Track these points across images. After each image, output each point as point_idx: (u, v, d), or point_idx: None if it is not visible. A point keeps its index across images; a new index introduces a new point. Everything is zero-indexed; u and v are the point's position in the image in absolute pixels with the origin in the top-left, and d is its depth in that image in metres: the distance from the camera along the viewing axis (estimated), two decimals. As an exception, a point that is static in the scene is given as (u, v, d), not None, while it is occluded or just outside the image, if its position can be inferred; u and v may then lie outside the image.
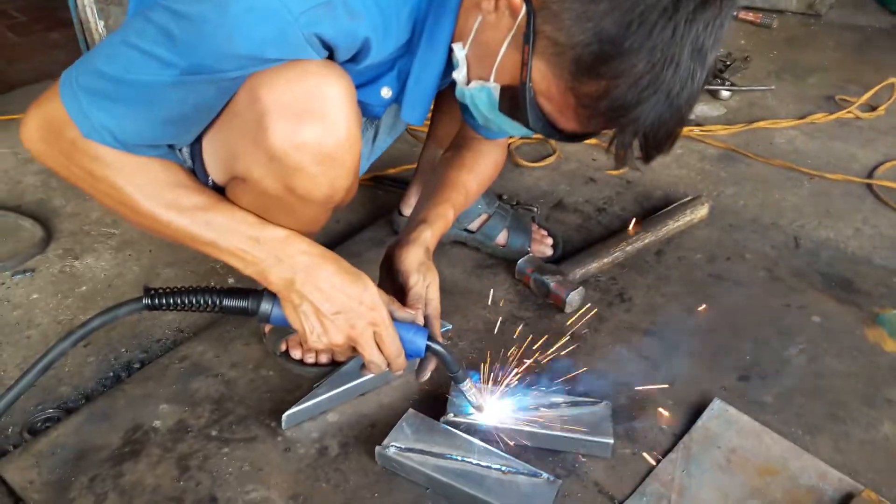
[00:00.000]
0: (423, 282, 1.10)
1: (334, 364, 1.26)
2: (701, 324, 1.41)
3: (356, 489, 1.08)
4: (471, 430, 1.13)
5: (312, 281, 0.94)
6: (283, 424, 1.16)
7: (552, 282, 1.41)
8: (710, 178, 1.93)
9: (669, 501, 1.07)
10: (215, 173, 0.97)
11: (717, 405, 1.21)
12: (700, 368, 1.31)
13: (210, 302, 0.98)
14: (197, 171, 0.98)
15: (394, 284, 1.10)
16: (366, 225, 1.69)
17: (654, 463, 1.12)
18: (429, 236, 1.15)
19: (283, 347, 1.28)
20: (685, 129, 2.10)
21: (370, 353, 0.99)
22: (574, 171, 1.92)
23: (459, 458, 1.07)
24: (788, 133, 2.18)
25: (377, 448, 1.09)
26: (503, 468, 1.06)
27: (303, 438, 1.15)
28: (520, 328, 1.38)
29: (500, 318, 1.40)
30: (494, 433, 1.13)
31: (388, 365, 1.02)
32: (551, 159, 1.94)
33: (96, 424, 1.16)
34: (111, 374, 1.29)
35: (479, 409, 1.11)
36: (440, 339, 1.07)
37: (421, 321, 1.06)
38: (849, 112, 2.28)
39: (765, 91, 2.43)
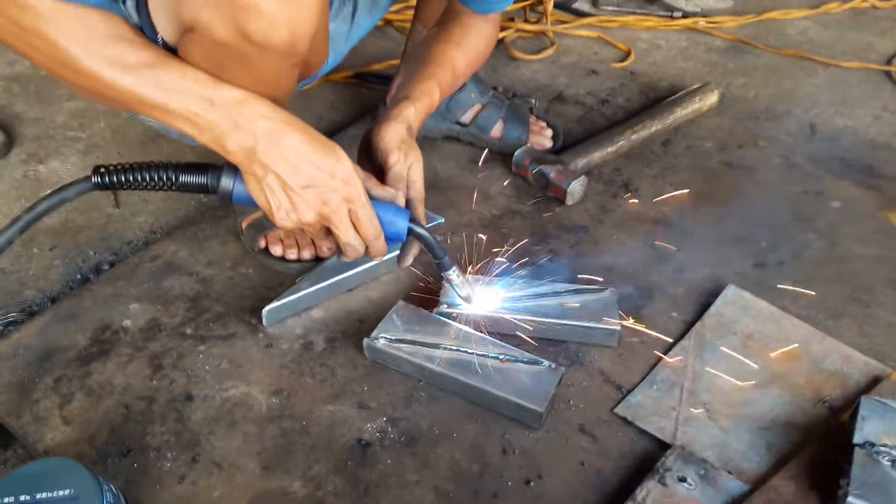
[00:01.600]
0: (405, 161, 0.99)
1: (318, 260, 1.17)
2: (713, 212, 1.32)
3: (344, 383, 1.00)
4: (467, 321, 1.04)
5: (277, 149, 0.83)
6: (263, 321, 1.07)
7: (552, 171, 1.31)
8: (718, 69, 1.80)
9: (682, 389, 0.99)
10: (164, 27, 0.85)
11: (731, 290, 1.12)
12: (713, 256, 1.22)
13: (165, 178, 0.87)
14: (144, 29, 0.86)
15: (373, 167, 1.00)
16: (349, 123, 1.57)
17: (663, 351, 1.04)
18: (412, 113, 1.04)
19: (262, 244, 1.18)
20: (690, 21, 1.97)
21: (345, 233, 0.89)
22: (574, 63, 1.79)
23: (454, 347, 0.99)
24: (801, 23, 2.03)
25: (365, 340, 1.01)
26: (501, 356, 0.98)
27: (286, 335, 1.07)
28: (518, 222, 1.29)
29: (497, 213, 1.31)
30: (491, 324, 1.05)
31: (367, 249, 0.93)
32: (549, 51, 1.80)
33: (62, 325, 1.07)
34: (78, 276, 1.20)
35: (467, 299, 1.02)
36: (423, 223, 0.97)
37: (402, 202, 0.96)
38: (864, 1, 2.13)
39: (776, -18, 2.27)
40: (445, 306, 1.05)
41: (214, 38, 0.79)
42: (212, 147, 0.84)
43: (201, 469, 0.89)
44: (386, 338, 1.00)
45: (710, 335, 1.06)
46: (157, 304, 1.11)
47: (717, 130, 1.54)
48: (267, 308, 1.06)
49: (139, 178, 0.86)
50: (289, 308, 1.09)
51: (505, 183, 1.38)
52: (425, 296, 1.11)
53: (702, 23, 1.99)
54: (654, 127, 1.47)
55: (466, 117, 1.45)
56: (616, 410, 0.97)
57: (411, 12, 1.89)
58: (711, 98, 1.56)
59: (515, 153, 1.37)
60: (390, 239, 0.94)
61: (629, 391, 0.99)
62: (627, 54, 1.82)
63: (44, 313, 1.09)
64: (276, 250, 1.17)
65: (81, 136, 1.54)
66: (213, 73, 0.82)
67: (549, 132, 1.47)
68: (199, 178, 0.88)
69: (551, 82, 1.70)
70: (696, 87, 1.59)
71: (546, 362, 0.97)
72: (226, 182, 0.88)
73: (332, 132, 1.56)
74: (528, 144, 1.41)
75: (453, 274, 0.99)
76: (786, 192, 1.37)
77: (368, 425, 0.95)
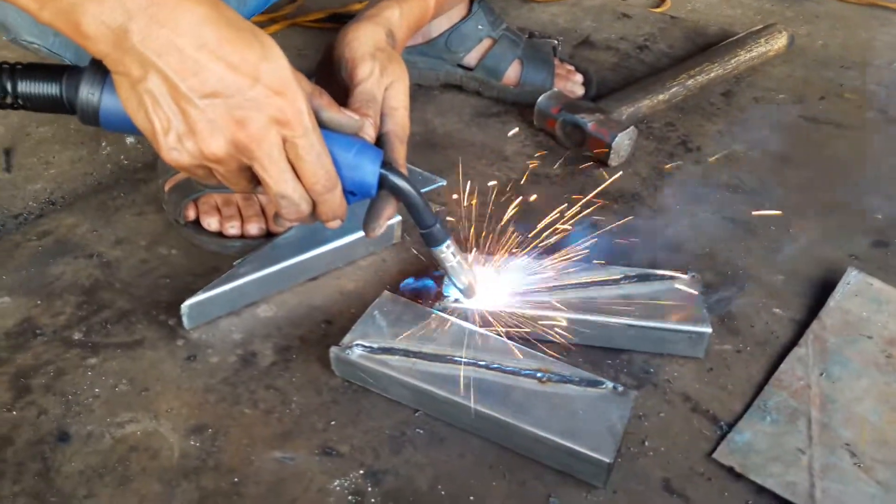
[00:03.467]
0: (381, 77, 0.65)
1: (269, 237, 0.83)
2: (804, 176, 0.99)
3: (300, 415, 0.66)
4: (485, 321, 0.71)
5: (163, 32, 0.49)
6: (185, 321, 0.73)
7: (590, 122, 0.98)
8: (773, 17, 1.47)
9: (810, 421, 0.66)
10: None
11: (854, 277, 0.80)
12: (815, 233, 0.89)
13: (3, 86, 0.53)
14: None
15: (336, 87, 0.66)
16: (324, 72, 1.24)
17: (772, 365, 0.72)
18: (395, 15, 0.71)
19: (192, 214, 0.84)
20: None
21: (278, 176, 0.55)
22: (600, 6, 1.46)
23: (467, 360, 0.65)
24: (863, -30, 1.73)
25: (333, 349, 0.67)
26: (540, 374, 0.64)
27: (217, 342, 0.73)
28: (544, 188, 0.96)
29: (515, 176, 0.98)
30: (520, 325, 0.71)
31: (315, 207, 0.59)
32: (570, -7, 1.48)
33: None
34: (-65, 258, 0.85)
35: (467, 291, 0.69)
36: (404, 170, 0.64)
37: (368, 135, 0.62)
38: (933, -53, 1.83)
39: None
40: (452, 300, 0.72)
41: None
42: (61, 28, 0.50)
43: (60, 563, 0.55)
44: (364, 346, 0.67)
45: (835, 340, 0.74)
46: (37, 298, 0.77)
47: (789, 80, 1.22)
48: (188, 303, 0.72)
49: None
50: (222, 303, 0.74)
51: (524, 140, 1.05)
52: (423, 287, 0.77)
53: (747, -32, 1.67)
54: (713, 72, 1.14)
55: (472, 57, 1.11)
56: (716, 456, 0.63)
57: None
58: (780, 41, 1.24)
59: (539, 99, 1.03)
60: (352, 192, 0.60)
61: (731, 426, 0.66)
62: (661, 1, 1.50)
63: None
64: (211, 223, 0.83)
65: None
66: None
67: (579, 77, 1.14)
68: (48, 87, 0.54)
69: (575, 26, 1.38)
70: (759, 27, 1.27)
71: (608, 382, 0.64)
72: (87, 91, 0.54)
73: (299, 81, 1.22)
74: (555, 89, 1.08)
75: (447, 251, 0.65)
76: (894, 152, 1.05)
77: (337, 483, 0.61)
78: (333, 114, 0.59)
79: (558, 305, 0.71)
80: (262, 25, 1.34)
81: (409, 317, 0.70)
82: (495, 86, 1.12)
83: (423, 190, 0.88)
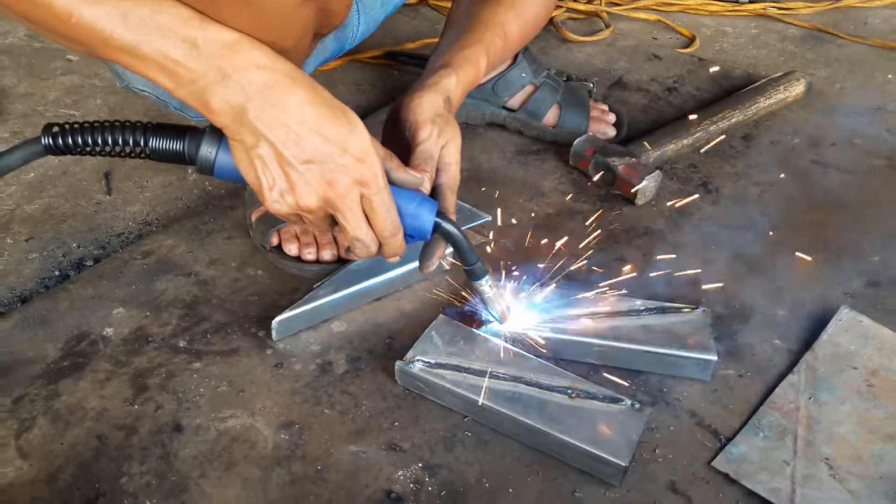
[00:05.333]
0: (438, 138, 0.79)
1: (340, 262, 0.97)
2: (810, 219, 1.10)
3: (370, 416, 0.80)
4: (524, 343, 0.84)
5: (273, 111, 0.63)
6: (273, 334, 0.88)
7: (620, 164, 1.11)
8: (796, 59, 1.59)
9: (796, 438, 0.78)
10: None
11: (845, 314, 0.91)
12: (815, 271, 1.01)
13: (132, 142, 0.67)
14: None
15: (399, 146, 0.80)
16: (377, 107, 1.38)
17: (768, 388, 0.84)
18: (452, 83, 0.84)
19: (275, 241, 0.99)
20: (759, 7, 1.76)
21: (355, 225, 0.70)
22: (633, 47, 1.58)
23: (509, 376, 0.79)
24: (883, 12, 1.82)
25: (398, 363, 0.81)
26: (570, 391, 0.78)
27: (299, 352, 0.87)
28: (577, 223, 1.08)
29: (552, 211, 1.11)
30: (554, 347, 0.85)
31: (381, 247, 0.73)
32: (605, 34, 1.60)
33: (29, 332, 0.88)
34: (57, 272, 1.01)
35: (501, 318, 0.83)
36: (453, 217, 0.78)
37: (426, 189, 0.76)
38: (955, -10, 1.91)
39: (851, -32, 2.05)
40: (495, 323, 0.86)
41: None
42: (192, 104, 0.64)
43: (187, 526, 0.70)
44: (424, 361, 0.80)
45: (824, 369, 0.86)
46: (146, 310, 0.92)
47: (805, 125, 1.33)
48: (278, 319, 0.87)
49: (101, 141, 0.67)
50: (304, 319, 0.89)
51: (560, 177, 1.18)
52: (470, 309, 0.91)
53: (772, 9, 1.78)
54: (734, 118, 1.26)
55: (515, 101, 1.25)
56: (714, 464, 0.76)
57: (449, -12, 1.72)
58: (798, 88, 1.35)
59: (575, 142, 1.16)
60: (411, 235, 0.74)
61: (729, 439, 0.79)
62: (692, 40, 1.62)
63: (9, 316, 0.90)
64: (291, 249, 0.98)
65: (74, 113, 1.36)
66: (205, 11, 0.63)
67: (612, 117, 1.26)
68: (174, 143, 0.68)
69: (609, 67, 1.50)
70: (779, 74, 1.38)
71: (627, 400, 0.77)
72: (207, 150, 0.68)
73: (358, 114, 1.37)
74: (589, 133, 1.21)
75: (486, 285, 0.79)
76: (894, 198, 1.15)
77: (400, 473, 0.75)
78: (401, 174, 0.73)
79: (589, 332, 0.85)
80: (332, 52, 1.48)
81: (460, 338, 0.83)
82: (536, 126, 1.25)
83: (470, 224, 1.02)
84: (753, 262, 1.02)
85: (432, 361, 0.80)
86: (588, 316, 0.86)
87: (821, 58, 1.59)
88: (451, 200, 0.79)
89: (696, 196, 1.12)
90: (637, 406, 0.76)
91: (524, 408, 0.76)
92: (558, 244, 1.02)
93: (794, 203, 1.14)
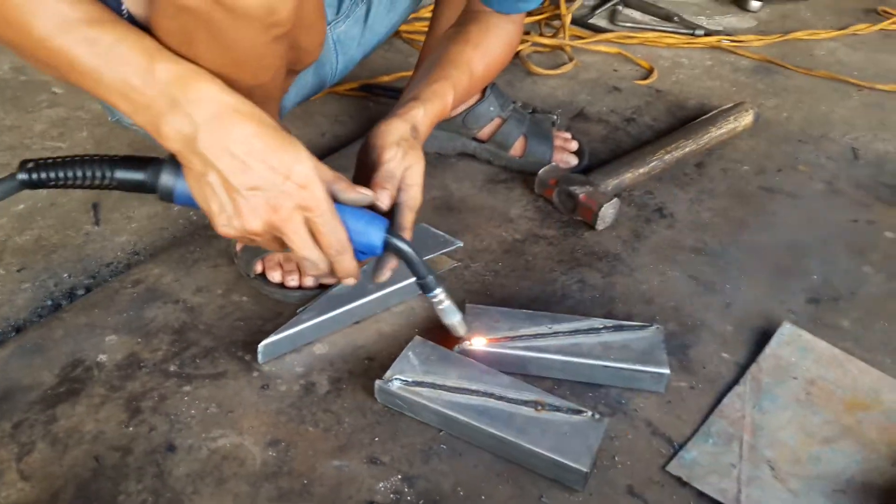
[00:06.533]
0: (402, 161, 0.86)
1: (322, 288, 1.04)
2: (756, 240, 1.20)
3: (352, 432, 0.86)
4: (492, 360, 0.91)
5: (221, 140, 0.69)
6: (259, 357, 0.93)
7: (581, 193, 1.19)
8: (747, 89, 1.69)
9: (742, 443, 0.86)
10: None
11: (787, 329, 1.00)
12: (761, 290, 1.09)
13: (101, 175, 0.73)
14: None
15: (368, 170, 0.87)
16: (355, 138, 1.45)
17: (716, 399, 0.92)
18: (420, 115, 0.91)
19: (259, 269, 1.05)
20: (713, 40, 1.88)
21: (300, 245, 0.75)
22: (595, 80, 1.68)
23: (481, 392, 0.86)
24: (829, 45, 1.94)
25: (377, 382, 0.87)
26: (536, 404, 0.84)
27: (284, 374, 0.93)
28: (542, 247, 1.16)
29: (519, 237, 1.18)
30: (519, 364, 0.92)
31: (332, 267, 0.79)
32: (568, 67, 1.69)
33: (25, 360, 0.93)
34: (49, 301, 1.06)
35: (454, 329, 0.88)
36: (408, 234, 0.84)
37: (384, 204, 0.82)
38: (894, 23, 2.05)
39: (798, 2, 2.18)
40: (468, 343, 0.92)
41: (178, 1, 0.66)
42: (148, 130, 0.71)
43: (182, 539, 0.75)
44: (401, 380, 0.87)
45: (768, 380, 0.94)
46: (138, 337, 0.97)
47: (753, 153, 1.43)
48: (264, 343, 0.92)
49: (72, 175, 0.73)
50: (288, 343, 0.95)
51: (526, 204, 1.26)
52: (445, 331, 0.98)
53: (725, 42, 1.89)
54: (688, 147, 1.35)
55: (484, 133, 1.33)
56: (669, 468, 0.83)
57: (423, 24, 1.80)
58: (747, 118, 1.45)
59: (539, 172, 1.25)
60: (363, 252, 0.80)
61: (681, 445, 0.86)
62: (650, 72, 1.72)
63: (5, 345, 0.95)
64: (275, 276, 1.04)
65: (61, 145, 1.41)
66: (182, 49, 0.69)
67: (575, 145, 1.35)
68: (137, 174, 0.74)
69: (572, 98, 1.59)
70: (729, 106, 1.48)
71: (588, 412, 0.84)
72: (166, 179, 0.74)
73: (335, 147, 1.44)
74: (553, 163, 1.29)
75: (438, 297, 0.85)
76: (834, 221, 1.25)
77: (381, 485, 0.81)
78: (350, 194, 0.79)
79: (552, 348, 0.92)
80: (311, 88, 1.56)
81: (435, 357, 0.90)
82: (504, 157, 1.33)
83: (443, 251, 1.09)
84: (705, 282, 1.10)
85: (409, 380, 0.87)
86: (551, 334, 0.93)
87: (770, 88, 1.71)
88: (408, 218, 0.86)
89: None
90: (597, 417, 0.83)
91: (494, 420, 0.82)
92: (524, 268, 1.10)
93: (743, 226, 1.23)
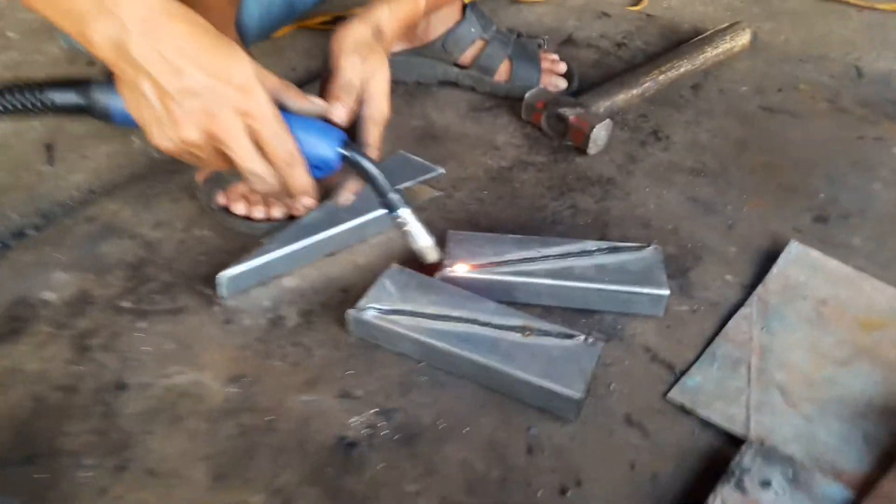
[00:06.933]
0: (361, 67, 0.76)
1: (292, 219, 0.95)
2: (758, 160, 1.12)
3: (323, 366, 0.78)
4: (478, 287, 0.83)
5: (151, 43, 0.62)
6: (220, 290, 0.85)
7: (571, 115, 1.10)
8: (741, 14, 1.59)
9: (749, 366, 0.79)
10: None
11: (794, 248, 0.92)
12: (765, 209, 1.02)
13: (32, 100, 0.66)
14: None
15: (329, 85, 0.78)
16: (330, 70, 1.36)
17: (721, 321, 0.84)
18: (385, 14, 0.81)
19: (222, 200, 0.96)
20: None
21: (244, 156, 0.67)
22: (582, 6, 1.58)
23: (463, 318, 0.78)
24: (827, -32, 1.84)
25: (350, 311, 0.80)
26: (524, 330, 0.77)
27: (250, 308, 0.85)
28: (531, 174, 1.08)
29: (506, 164, 1.10)
30: (508, 290, 0.84)
31: (284, 183, 0.70)
32: (555, -7, 1.59)
33: (-36, 300, 0.85)
34: (-5, 242, 0.97)
35: (425, 252, 0.78)
36: (373, 152, 0.76)
37: (339, 117, 0.73)
38: (895, -55, 1.95)
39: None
40: (450, 269, 0.84)
41: None
42: (80, 41, 0.63)
43: (131, 480, 0.67)
44: (376, 308, 0.79)
45: (776, 301, 0.86)
46: (90, 274, 0.89)
47: (751, 73, 1.34)
48: (225, 274, 0.84)
49: (9, 104, 0.65)
50: (253, 275, 0.87)
51: (513, 131, 1.17)
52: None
53: (720, -33, 1.79)
54: (682, 68, 1.26)
55: (466, 57, 1.23)
56: (670, 396, 0.76)
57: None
58: (743, 38, 1.36)
59: (526, 95, 1.16)
60: (318, 167, 0.71)
61: (683, 371, 0.79)
62: (640, -1, 1.62)
63: (-57, 286, 0.87)
64: (239, 208, 0.95)
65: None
66: None
67: (563, 66, 1.25)
68: (68, 95, 0.67)
69: (559, 25, 1.49)
70: (725, 26, 1.39)
71: (581, 335, 0.76)
72: (99, 95, 0.66)
73: (307, 80, 1.34)
74: (540, 86, 1.20)
75: (404, 217, 0.76)
76: (840, 139, 1.17)
77: (354, 419, 0.73)
78: (299, 102, 0.71)
79: (543, 272, 0.84)
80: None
81: (414, 284, 0.82)
82: (488, 82, 1.24)
83: (423, 177, 1.01)
84: (705, 203, 1.03)
85: (385, 308, 0.79)
86: (540, 258, 0.86)
87: (765, 11, 1.61)
88: (373, 133, 0.77)
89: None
90: (590, 341, 0.76)
91: (478, 348, 0.75)
92: (511, 195, 1.02)
93: (743, 147, 1.15)
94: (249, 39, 1.09)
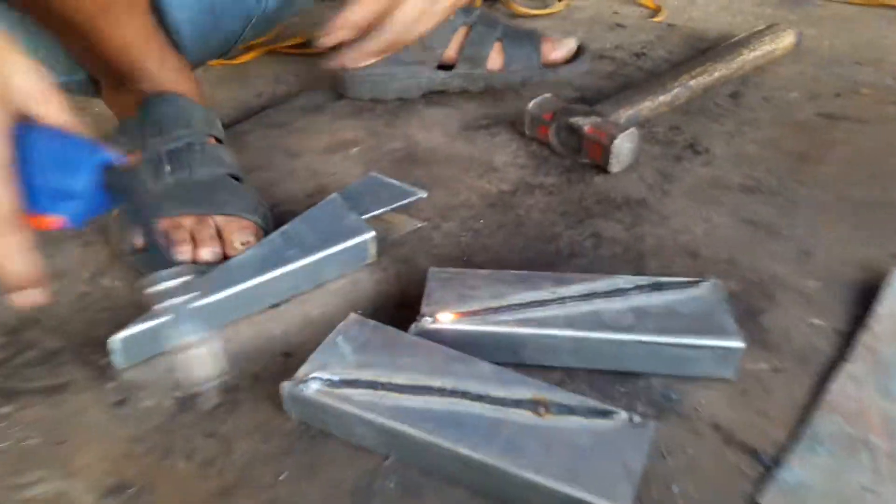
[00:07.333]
0: None
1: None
2: (825, 172, 0.88)
3: (246, 467, 0.54)
4: (469, 343, 0.59)
5: None
6: (116, 358, 0.62)
7: (587, 125, 0.88)
8: (777, 22, 1.39)
9: (871, 449, 0.54)
10: None
11: (902, 279, 0.68)
12: (845, 231, 0.78)
13: None
14: None
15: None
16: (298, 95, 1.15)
17: (818, 382, 0.60)
18: None
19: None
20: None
21: None
22: (592, 18, 1.38)
23: (448, 390, 0.54)
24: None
25: (284, 385, 0.56)
26: (537, 405, 0.53)
27: (153, 383, 0.61)
28: (540, 198, 0.85)
29: (507, 188, 0.87)
30: (512, 347, 0.60)
31: None
32: (559, 6, 1.40)
33: None
34: None
35: (182, 291, 0.53)
36: (352, 56, 0.68)
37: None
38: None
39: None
40: (429, 319, 0.61)
41: None
42: None
43: None
44: (323, 379, 0.55)
45: (890, 350, 0.62)
46: (-52, 341, 0.66)
47: (800, 79, 1.12)
48: (119, 336, 0.61)
49: None
50: (160, 337, 0.63)
51: (515, 150, 0.95)
52: (401, 309, 0.67)
53: (743, -23, 1.60)
54: (717, 72, 1.05)
55: (451, 51, 1.02)
56: (763, 502, 0.51)
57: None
58: (786, 39, 1.15)
59: (529, 106, 0.94)
60: (68, 196, 0.49)
61: (775, 460, 0.54)
62: (657, 11, 1.42)
63: None
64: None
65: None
66: None
67: (571, 43, 1.05)
68: None
69: (566, 37, 1.29)
70: (762, 27, 1.18)
71: (621, 412, 0.52)
72: None
73: (272, 104, 1.14)
74: (541, 64, 0.98)
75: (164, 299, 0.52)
76: (924, 146, 0.94)
77: (286, 551, 0.49)
78: (54, 114, 0.49)
79: (560, 321, 0.60)
80: (239, 54, 1.27)
81: (378, 342, 0.58)
82: (480, 76, 1.02)
83: (399, 203, 0.78)
84: (767, 226, 0.79)
85: (335, 378, 0.55)
86: (555, 301, 0.62)
87: (804, 19, 1.41)
88: (371, 44, 0.68)
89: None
90: (637, 420, 0.51)
91: (469, 435, 0.50)
92: (515, 223, 0.80)
93: (804, 159, 0.92)
94: (195, 56, 0.89)
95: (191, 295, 0.62)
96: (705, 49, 1.22)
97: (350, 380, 0.55)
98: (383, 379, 0.55)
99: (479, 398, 0.53)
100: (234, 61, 1.27)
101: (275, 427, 0.57)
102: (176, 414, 0.58)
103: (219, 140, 0.81)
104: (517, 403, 0.52)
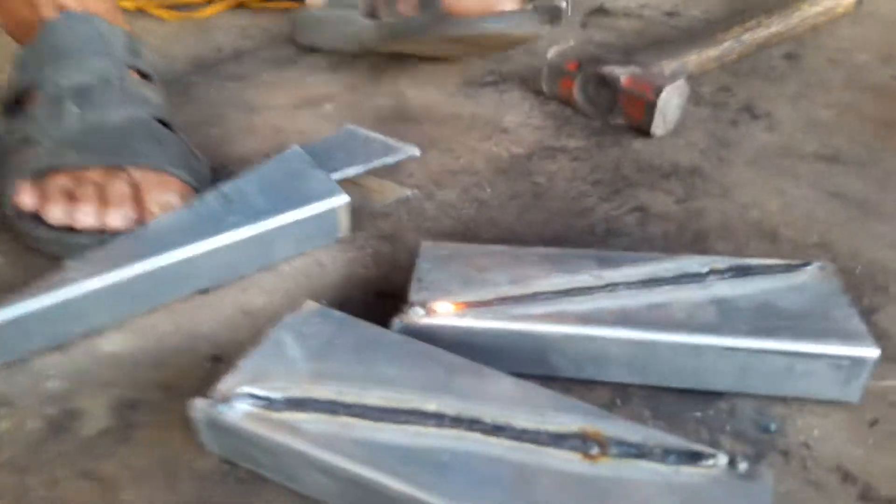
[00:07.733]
0: None
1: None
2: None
3: (129, 532, 0.35)
4: (479, 346, 0.41)
5: None
6: (-34, 360, 0.43)
7: (624, 74, 0.70)
8: (821, -9, 1.23)
9: None
10: None
11: None
12: (968, 209, 0.60)
13: None
14: None
15: None
16: (264, 49, 0.97)
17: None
18: None
19: (30, 202, 0.55)
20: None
21: None
22: (613, -23, 1.21)
23: (450, 416, 0.35)
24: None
25: (197, 402, 0.37)
26: (583, 441, 0.34)
27: (19, 395, 0.42)
28: (562, 164, 0.67)
29: (521, 152, 0.69)
30: (527, 353, 0.42)
31: None
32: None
33: None
34: None
35: None
36: None
37: None
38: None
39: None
40: (419, 310, 0.42)
41: None
42: None
43: None
44: (257, 397, 0.36)
45: None
46: None
47: (865, 41, 0.95)
48: (-32, 328, 0.42)
49: None
50: (41, 329, 0.44)
51: (529, 109, 0.77)
52: (381, 298, 0.49)
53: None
54: (773, 27, 0.87)
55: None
56: None
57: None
58: (847, -3, 0.98)
59: (549, 55, 0.76)
60: None
61: (941, 528, 0.36)
62: (685, -25, 1.25)
63: None
64: (55, 212, 0.54)
65: None
66: None
67: None
68: None
69: (584, -3, 1.12)
70: (818, -17, 1.01)
71: (722, 455, 0.33)
72: None
73: (234, 57, 0.95)
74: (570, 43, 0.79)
75: None
76: None
77: None
78: None
79: (613, 319, 0.41)
80: (205, 5, 1.09)
81: (346, 342, 0.39)
82: (478, 25, 0.80)
83: (387, 160, 0.61)
84: (860, 202, 0.61)
85: (275, 396, 0.36)
86: (600, 289, 0.43)
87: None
88: None
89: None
90: (743, 468, 0.33)
91: (483, 489, 0.32)
92: (531, 194, 0.61)
93: (889, 126, 0.74)
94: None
95: (88, 269, 0.43)
96: (745, 10, 1.04)
97: (298, 398, 0.36)
98: (349, 398, 0.36)
99: (496, 430, 0.34)
100: (195, 14, 1.08)
101: (183, 464, 0.38)
102: (43, 441, 0.39)
103: (144, 75, 0.62)
104: (556, 440, 0.34)
